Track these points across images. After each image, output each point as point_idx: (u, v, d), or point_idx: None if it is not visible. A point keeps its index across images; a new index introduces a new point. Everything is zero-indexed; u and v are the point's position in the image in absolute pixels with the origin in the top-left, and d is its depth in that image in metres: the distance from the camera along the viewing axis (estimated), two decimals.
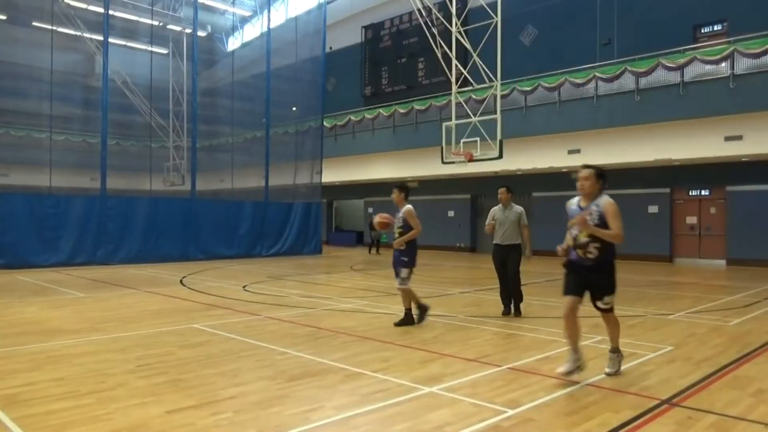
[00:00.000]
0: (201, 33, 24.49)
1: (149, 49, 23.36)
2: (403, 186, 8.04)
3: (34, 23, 21.44)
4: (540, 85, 20.11)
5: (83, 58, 24.39)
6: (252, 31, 28.59)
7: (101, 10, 19.59)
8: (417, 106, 24.03)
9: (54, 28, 19.75)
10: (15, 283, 12.98)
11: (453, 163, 17.76)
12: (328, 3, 25.43)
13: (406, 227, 7.69)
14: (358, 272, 16.63)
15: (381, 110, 25.59)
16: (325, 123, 25.34)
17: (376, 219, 7.90)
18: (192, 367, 5.72)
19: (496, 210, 8.72)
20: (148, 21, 23.40)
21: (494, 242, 8.72)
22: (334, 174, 26.27)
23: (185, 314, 8.86)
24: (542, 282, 13.77)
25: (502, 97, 17.61)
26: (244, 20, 28.66)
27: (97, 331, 7.55)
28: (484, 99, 17.85)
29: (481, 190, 24.97)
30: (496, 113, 16.53)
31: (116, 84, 21.89)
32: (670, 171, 19.59)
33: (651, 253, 19.83)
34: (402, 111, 24.53)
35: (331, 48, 27.34)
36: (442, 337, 7.13)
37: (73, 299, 10.66)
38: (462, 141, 17.33)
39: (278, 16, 25.64)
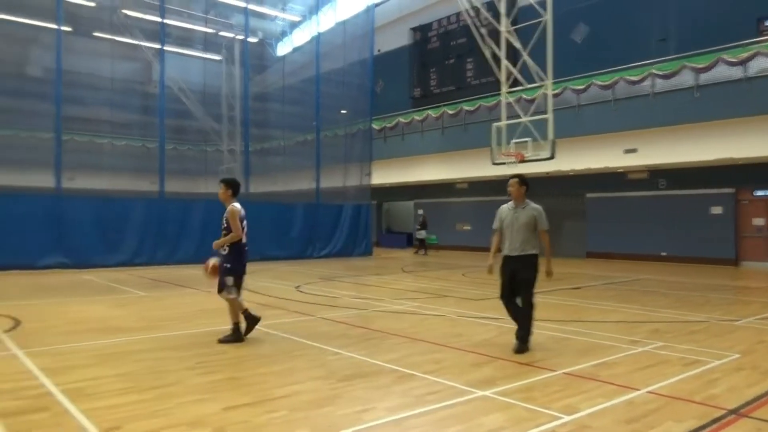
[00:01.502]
0: (252, 39, 25.05)
1: (203, 56, 24.08)
2: (230, 181, 7.07)
3: (95, 34, 22.43)
4: (593, 84, 19.60)
5: (141, 66, 25.32)
6: (301, 36, 29.03)
7: (158, 19, 20.31)
8: (466, 107, 23.84)
9: (114, 38, 20.61)
10: (81, 282, 13.59)
11: (503, 164, 17.52)
12: (376, 6, 25.57)
13: (228, 229, 6.81)
14: (409, 274, 16.62)
15: (430, 112, 25.51)
16: (374, 125, 25.48)
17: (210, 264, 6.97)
18: (247, 365, 5.84)
19: (503, 209, 6.62)
20: (202, 29, 24.12)
21: (503, 253, 6.53)
22: (383, 176, 26.36)
23: None
24: (599, 285, 13.41)
25: (554, 96, 17.26)
26: (294, 25, 29.13)
27: (156, 328, 7.81)
28: (535, 99, 17.55)
29: (533, 191, 24.55)
30: (547, 113, 16.22)
31: (172, 90, 22.62)
32: (733, 170, 18.73)
33: (714, 256, 19.00)
34: (451, 112, 24.40)
35: (379, 50, 27.46)
36: (494, 340, 7.03)
37: (134, 298, 11.07)
38: (512, 141, 17.09)
39: (327, 21, 25.95)
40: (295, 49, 29.11)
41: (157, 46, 20.70)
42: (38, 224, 16.50)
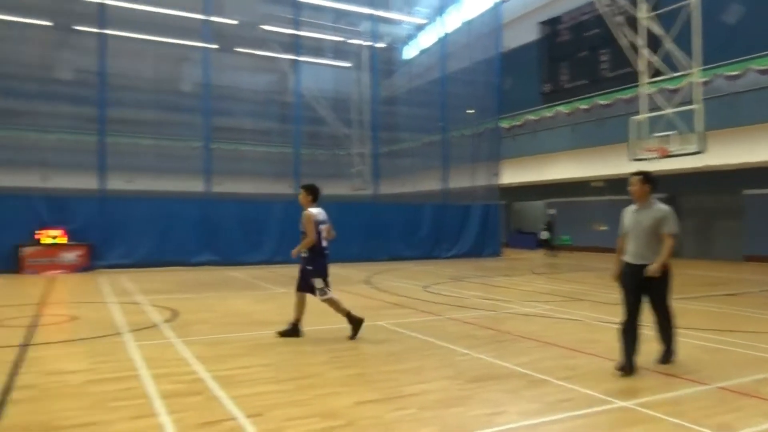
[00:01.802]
0: (380, 45, 25.66)
1: (334, 63, 25.11)
2: (310, 187, 7.20)
3: (237, 49, 24.26)
4: (750, 69, 17.67)
5: (278, 77, 26.93)
6: (427, 38, 29.23)
7: (292, 32, 21.53)
8: (600, 101, 22.60)
9: (253, 52, 22.18)
10: (228, 279, 14.77)
11: (644, 159, 16.36)
12: (502, 2, 25.07)
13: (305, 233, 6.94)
14: (540, 276, 16.08)
15: (560, 107, 24.52)
16: (502, 124, 24.99)
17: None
18: (377, 362, 5.98)
19: (627, 212, 5.88)
20: (333, 38, 25.16)
21: (624, 259, 5.77)
22: (512, 175, 25.76)
23: (370, 311, 9.30)
24: (756, 292, 12.06)
25: (703, 84, 15.81)
26: (420, 28, 29.41)
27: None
28: (679, 88, 16.21)
29: (679, 189, 22.67)
30: (695, 103, 14.89)
31: (306, 98, 23.82)
32: None
33: None
34: (584, 107, 23.25)
35: (506, 47, 26.89)
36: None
37: (274, 294, 11.79)
38: (653, 135, 15.90)
39: (452, 21, 25.89)
40: (422, 52, 29.38)
41: (292, 57, 21.94)
42: (192, 225, 18.21)
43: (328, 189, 24.60)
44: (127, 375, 5.40)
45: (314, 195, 7.15)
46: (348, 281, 14.05)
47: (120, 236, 17.21)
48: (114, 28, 18.77)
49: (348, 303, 10.06)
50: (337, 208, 20.46)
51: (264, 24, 23.95)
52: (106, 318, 8.60)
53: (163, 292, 11.76)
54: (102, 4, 18.09)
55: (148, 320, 8.45)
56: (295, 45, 21.43)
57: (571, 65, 27.29)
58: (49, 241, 16.13)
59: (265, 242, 19.10)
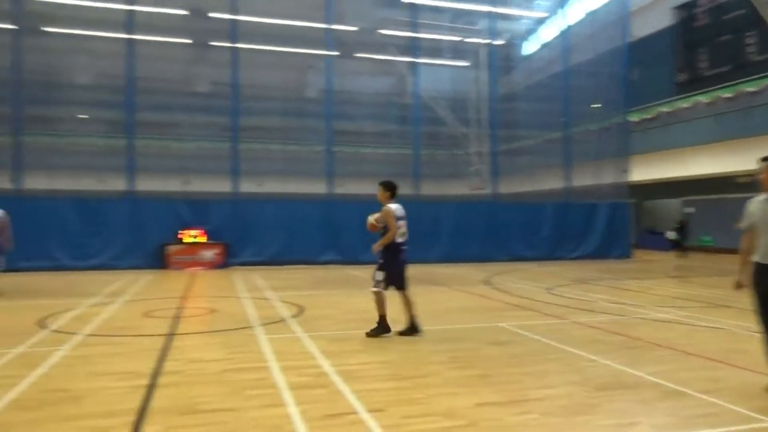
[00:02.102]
0: (498, 42, 25.16)
1: (451, 63, 25.03)
2: (387, 183, 7.26)
3: (357, 55, 24.95)
4: None
5: (396, 80, 27.30)
6: (548, 32, 28.21)
7: (410, 34, 21.76)
8: (747, 88, 20.48)
9: (373, 56, 22.71)
10: (350, 277, 15.24)
11: None
12: None
13: (386, 229, 7.03)
14: (675, 279, 14.91)
15: (699, 97, 22.54)
16: (631, 117, 23.48)
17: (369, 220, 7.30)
18: (499, 364, 5.86)
19: (753, 203, 5.06)
20: (450, 38, 25.07)
21: (754, 259, 4.99)
22: (643, 171, 24.10)
23: (491, 313, 9.16)
24: None
25: None
26: (540, 22, 28.44)
27: None
28: None
29: None
30: None
31: (424, 99, 23.94)
32: None
33: None
34: (727, 95, 21.20)
35: (633, 36, 25.24)
36: None
37: (392, 294, 11.94)
38: None
39: (575, 12, 24.76)
40: (543, 46, 28.40)
41: (410, 59, 22.17)
42: (316, 225, 19.05)
43: (446, 189, 24.66)
44: (259, 366, 5.75)
45: (392, 191, 7.29)
46: (467, 281, 13.93)
47: (252, 236, 18.43)
48: (245, 42, 20.09)
49: (466, 303, 10.00)
50: (455, 207, 20.48)
51: (382, 29, 24.42)
52: (240, 312, 9.22)
53: (291, 289, 12.39)
54: (234, 20, 19.43)
55: (277, 315, 8.94)
56: (412, 47, 21.64)
57: (711, 51, 25.02)
58: (191, 240, 17.65)
59: None
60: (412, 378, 5.32)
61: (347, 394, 4.78)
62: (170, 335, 7.31)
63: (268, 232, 18.59)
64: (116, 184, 18.46)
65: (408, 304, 7.26)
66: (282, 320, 8.47)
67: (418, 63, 21.69)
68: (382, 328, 7.14)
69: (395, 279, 7.18)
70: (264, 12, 21.07)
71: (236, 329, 7.73)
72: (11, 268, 16.00)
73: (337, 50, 22.12)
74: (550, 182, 22.80)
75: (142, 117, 18.87)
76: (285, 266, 18.09)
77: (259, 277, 15.09)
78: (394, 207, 7.22)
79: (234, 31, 19.38)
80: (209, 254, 17.81)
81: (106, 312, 9.22)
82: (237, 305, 9.99)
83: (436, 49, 26.18)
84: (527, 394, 4.82)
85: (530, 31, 28.79)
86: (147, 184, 18.42)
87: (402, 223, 7.23)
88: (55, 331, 7.63)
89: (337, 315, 9.03)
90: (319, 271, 16.99)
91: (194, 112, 21.64)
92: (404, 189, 21.52)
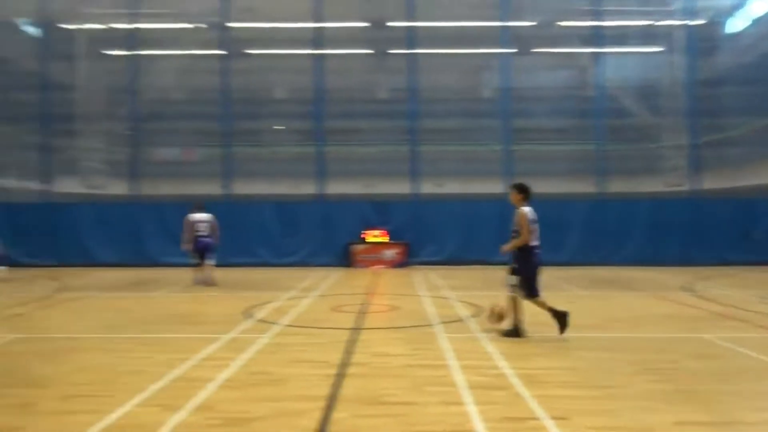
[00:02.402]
0: (698, 21, 22.61)
1: (641, 50, 23.04)
2: (520, 186, 7.18)
3: (535, 50, 24.13)
4: None
5: (577, 72, 25.90)
6: (760, 5, 24.63)
7: (593, 23, 20.49)
8: None
9: (552, 50, 21.80)
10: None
11: None
12: None
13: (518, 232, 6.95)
14: None
15: None
16: None
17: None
18: (702, 380, 5.25)
19: None
20: (639, 23, 23.10)
21: None
22: None
23: (692, 322, 8.24)
24: None
25: None
26: None
27: (601, 328, 7.82)
28: None
29: None
30: None
31: (609, 90, 22.40)
32: None
33: None
34: None
35: None
36: None
37: (575, 296, 11.36)
38: None
39: None
40: (754, 21, 24.90)
41: (593, 49, 20.89)
42: (493, 225, 18.79)
43: (636, 186, 22.83)
44: (439, 363, 5.83)
45: (526, 194, 7.19)
46: (663, 286, 12.72)
47: (431, 235, 18.83)
48: (421, 47, 20.58)
49: (662, 310, 9.15)
50: (648, 206, 18.84)
51: (562, 20, 23.35)
52: (420, 310, 9.45)
53: (468, 289, 12.39)
54: (411, 27, 19.98)
55: (456, 314, 9.00)
56: (596, 36, 20.37)
57: None
58: (374, 240, 18.56)
59: (565, 242, 18.62)
60: (599, 387, 4.99)
61: (527, 399, 4.64)
62: (356, 329, 7.74)
63: (447, 231, 18.85)
64: (308, 188, 20.11)
65: (520, 309, 7.14)
66: (460, 320, 8.51)
67: (602, 53, 20.35)
68: (515, 333, 7.05)
69: (525, 284, 7.05)
70: (439, 16, 21.40)
71: (417, 326, 7.93)
72: (223, 263, 18.29)
73: (513, 47, 21.65)
74: (765, 176, 19.86)
75: (329, 125, 20.30)
76: (463, 266, 18.16)
77: (438, 276, 15.34)
78: (528, 210, 7.11)
79: (411, 37, 19.94)
80: (391, 253, 18.56)
81: (301, 305, 10.07)
82: (417, 303, 10.26)
83: (622, 36, 24.35)
84: (738, 415, 4.24)
85: (737, 6, 25.42)
86: (335, 188, 19.80)
87: (535, 227, 7.12)
88: (259, 320, 8.51)
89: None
90: (498, 272, 16.69)
91: (376, 118, 22.71)
92: (587, 187, 20.46)
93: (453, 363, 5.80)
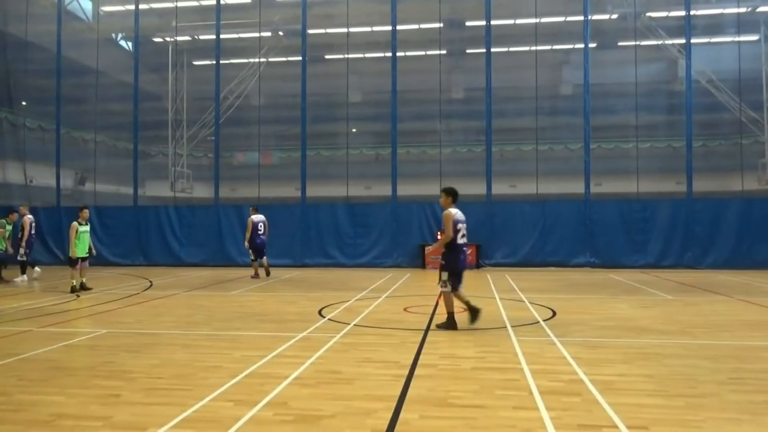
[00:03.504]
0: None
1: (736, 39, 21.55)
2: (449, 190, 7.99)
3: (619, 44, 23.15)
4: None
5: (665, 66, 24.62)
6: None
7: (683, 13, 19.40)
8: None
9: (637, 43, 20.80)
10: (608, 281, 14.21)
11: None
12: None
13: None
14: None
15: None
16: None
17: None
18: None
19: None
20: (734, 10, 21.64)
21: None
22: None
23: None
24: None
25: None
26: None
27: (685, 334, 7.39)
28: None
29: None
30: None
31: (700, 84, 21.15)
32: None
33: None
34: None
35: None
36: None
37: (660, 300, 10.81)
38: None
39: None
40: None
41: (683, 41, 19.79)
42: (571, 226, 18.25)
43: (727, 184, 21.41)
44: (510, 367, 5.70)
45: (454, 196, 8.00)
46: (756, 291, 11.88)
47: (504, 237, 18.49)
48: (497, 46, 20.25)
49: (752, 317, 8.55)
50: (740, 205, 17.58)
51: (648, 11, 22.27)
52: (493, 312, 9.28)
53: (543, 292, 12.05)
54: (488, 26, 19.65)
55: (529, 317, 8.77)
56: (686, 27, 19.28)
57: None
58: None
59: (650, 244, 17.78)
60: (682, 396, 4.70)
61: (604, 406, 4.44)
62: (426, 330, 7.71)
63: (521, 233, 18.44)
64: (381, 189, 20.26)
65: (449, 300, 7.87)
66: (534, 323, 8.28)
67: (693, 44, 19.22)
68: (449, 324, 7.74)
69: (453, 278, 7.77)
70: (517, 13, 20.99)
71: (489, 329, 7.80)
72: (298, 264, 18.78)
73: (594, 42, 20.88)
74: None
75: (401, 127, 20.37)
76: (537, 268, 17.72)
77: (511, 278, 15.02)
78: (454, 211, 7.84)
79: (488, 36, 19.62)
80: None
81: (372, 305, 10.15)
82: (490, 305, 10.08)
83: (715, 26, 22.96)
84: None
85: None
86: (408, 189, 19.82)
87: (461, 226, 7.85)
88: (330, 319, 8.66)
89: (591, 321, 8.48)
90: (573, 274, 16.22)
91: (450, 119, 22.54)
92: (672, 186, 19.41)
93: (525, 367, 5.66)
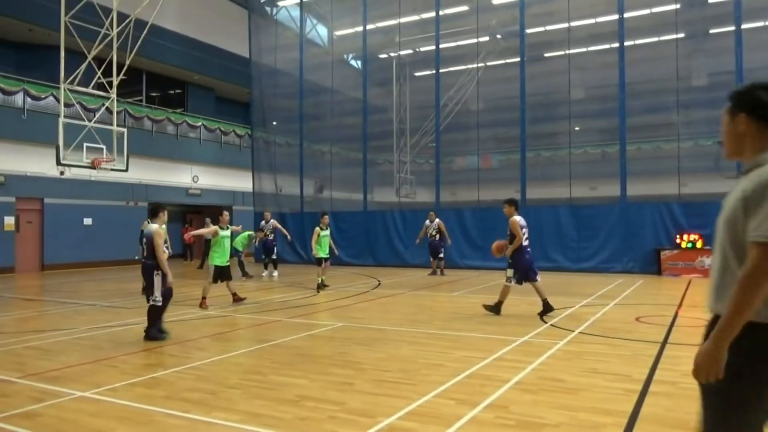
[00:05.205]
0: None
1: None
2: (511, 201, 9.46)
3: None
4: None
5: None
6: None
7: None
8: None
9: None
10: None
11: None
12: None
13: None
14: None
15: None
16: None
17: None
18: None
19: None
20: None
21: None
22: None
23: None
24: None
25: None
26: None
27: None
28: None
29: None
30: None
31: None
32: None
33: None
34: None
35: None
36: None
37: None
38: None
39: None
40: None
41: None
42: None
43: None
44: None
45: (516, 206, 9.39)
46: None
47: None
48: (749, 21, 17.53)
49: None
50: None
51: None
52: None
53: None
54: (737, 1, 17.11)
55: None
56: None
57: None
58: (687, 245, 16.42)
59: None
60: None
61: None
62: (663, 343, 6.97)
63: None
64: (607, 189, 18.89)
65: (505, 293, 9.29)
66: None
67: None
68: (496, 309, 9.24)
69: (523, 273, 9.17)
70: None
71: None
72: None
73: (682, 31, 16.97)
74: None
75: (631, 122, 18.76)
76: None
77: None
78: (518, 218, 9.26)
79: (738, 11, 17.07)
80: (709, 261, 16.18)
81: (599, 313, 9.52)
82: None
83: None
84: None
85: None
86: (637, 188, 18.16)
87: (526, 231, 9.31)
88: (553, 325, 8.32)
89: None
90: None
91: (689, 108, 20.11)
92: None
93: None
